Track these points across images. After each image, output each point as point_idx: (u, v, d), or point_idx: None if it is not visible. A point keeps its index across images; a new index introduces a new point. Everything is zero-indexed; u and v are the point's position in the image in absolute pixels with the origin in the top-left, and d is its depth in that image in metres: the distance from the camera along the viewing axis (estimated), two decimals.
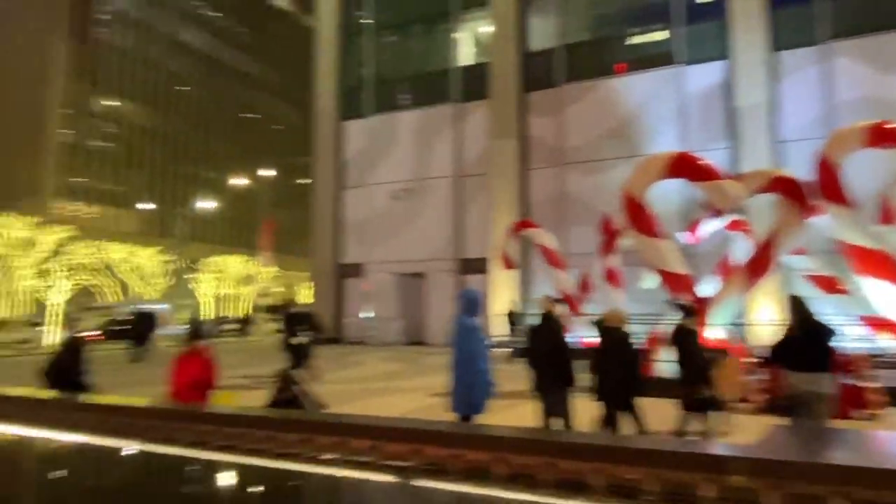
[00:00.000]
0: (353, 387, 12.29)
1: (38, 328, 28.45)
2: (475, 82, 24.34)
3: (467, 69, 25.14)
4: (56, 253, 37.97)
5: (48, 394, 4.83)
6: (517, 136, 23.08)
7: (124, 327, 28.64)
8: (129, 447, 3.82)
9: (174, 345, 24.53)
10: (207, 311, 50.60)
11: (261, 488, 3.36)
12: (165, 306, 39.33)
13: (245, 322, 42.22)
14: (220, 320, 42.80)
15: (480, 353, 6.12)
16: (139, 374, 15.11)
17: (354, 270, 26.11)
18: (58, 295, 33.16)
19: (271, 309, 45.42)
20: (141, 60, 61.88)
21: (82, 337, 6.77)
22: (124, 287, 47.68)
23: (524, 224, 19.80)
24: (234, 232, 68.31)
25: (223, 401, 5.66)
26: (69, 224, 43.33)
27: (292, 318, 10.84)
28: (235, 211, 68.44)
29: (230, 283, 55.11)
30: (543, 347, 6.51)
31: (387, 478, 2.99)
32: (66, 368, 6.13)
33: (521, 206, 22.73)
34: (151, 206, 59.87)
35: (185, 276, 51.87)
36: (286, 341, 10.32)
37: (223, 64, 71.82)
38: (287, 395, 5.64)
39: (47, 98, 53.14)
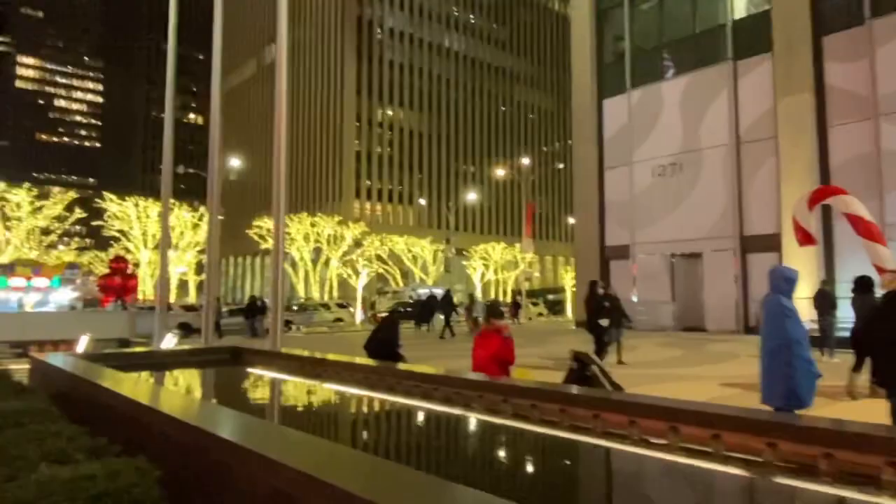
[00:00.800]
0: (631, 372, 11.86)
1: (346, 309, 33.58)
2: (753, 35, 21.51)
3: (741, 22, 22.36)
4: (356, 245, 44.45)
5: (384, 363, 5.56)
6: (811, 90, 19.77)
7: (408, 309, 32.28)
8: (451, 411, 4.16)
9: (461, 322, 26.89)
10: (482, 295, 54.34)
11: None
12: (442, 290, 43.27)
13: (516, 306, 44.16)
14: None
15: (799, 338, 5.29)
16: (439, 349, 16.59)
17: (620, 252, 25.29)
18: (361, 281, 38.76)
19: (534, 293, 46.76)
20: (410, 70, 68.77)
21: (400, 313, 7.65)
22: (406, 274, 53.75)
23: (826, 191, 16.87)
24: (497, 220, 72.05)
25: (521, 376, 5.87)
26: (363, 221, 50.40)
27: (600, 301, 10.90)
28: (498, 200, 72.15)
29: (495, 268, 58.22)
30: (889, 334, 5.35)
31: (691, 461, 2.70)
32: (384, 340, 7.01)
33: (819, 170, 19.46)
34: (424, 201, 66.39)
35: (456, 263, 56.28)
36: (592, 323, 10.38)
37: (480, 62, 75.92)
38: (583, 374, 5.59)
39: (344, 113, 62.39)
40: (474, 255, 56.77)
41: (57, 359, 4.95)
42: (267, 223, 44.20)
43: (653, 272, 23.55)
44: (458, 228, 64.29)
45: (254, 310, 23.15)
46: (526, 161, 60.91)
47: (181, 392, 4.72)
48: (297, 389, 5.26)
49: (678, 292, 22.89)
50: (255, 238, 46.13)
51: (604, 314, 11.21)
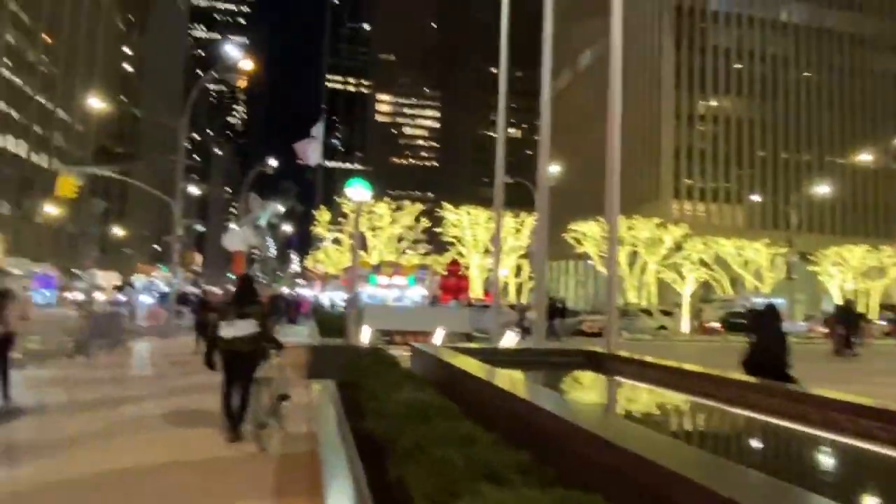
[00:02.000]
0: None
1: (670, 316, 31.48)
2: None
3: None
4: (678, 249, 41.56)
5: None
6: None
7: (741, 321, 28.62)
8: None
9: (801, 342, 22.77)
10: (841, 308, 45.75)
11: None
12: (780, 300, 37.50)
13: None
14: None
15: None
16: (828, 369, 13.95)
17: None
18: (686, 287, 36.05)
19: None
20: (739, 53, 61.82)
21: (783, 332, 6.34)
22: (736, 281, 48.16)
23: None
24: (854, 217, 59.74)
25: None
26: (684, 222, 46.91)
27: None
28: (855, 194, 59.86)
29: (853, 276, 48.28)
30: None
31: None
32: (769, 357, 5.80)
33: None
34: (758, 198, 58.76)
35: (800, 269, 48.34)
36: None
37: (827, 31, 64.18)
38: None
39: (662, 108, 59.32)
40: (823, 260, 48.00)
41: (435, 349, 5.23)
42: (583, 227, 44.41)
43: None
44: (802, 228, 55.21)
45: (553, 312, 23.18)
46: None
47: (588, 403, 4.40)
48: (684, 405, 4.57)
49: None
50: (571, 242, 46.75)
51: None
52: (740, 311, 31.42)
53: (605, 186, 8.41)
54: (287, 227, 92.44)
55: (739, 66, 61.70)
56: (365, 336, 10.88)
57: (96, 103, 62.35)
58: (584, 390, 5.24)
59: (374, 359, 4.82)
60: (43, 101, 62.28)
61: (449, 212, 43.58)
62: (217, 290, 21.97)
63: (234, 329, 6.07)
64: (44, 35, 61.58)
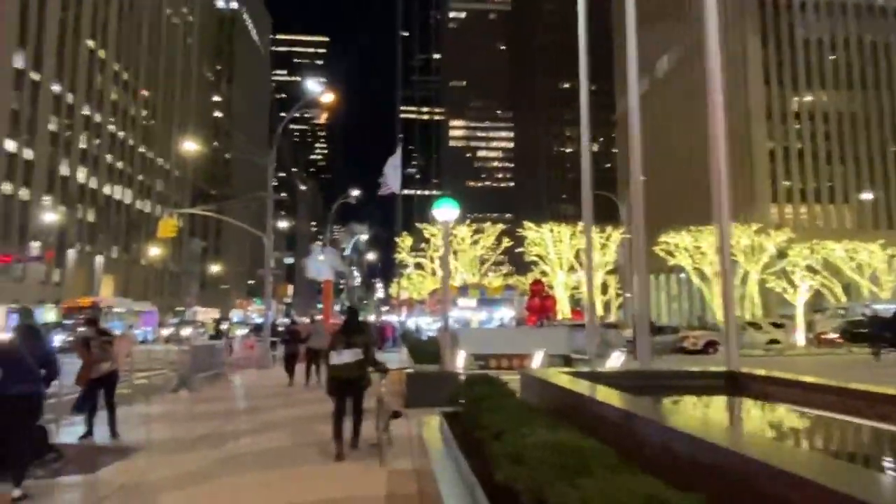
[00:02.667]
0: None
1: (782, 329, 29.04)
2: None
3: None
4: (781, 256, 38.63)
5: None
6: None
7: (863, 330, 25.97)
8: None
9: None
10: None
11: None
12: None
13: None
14: None
15: None
16: None
17: None
18: (799, 297, 33.32)
19: None
20: (832, 43, 57.73)
21: None
22: (849, 287, 44.16)
23: None
24: None
25: None
26: (785, 227, 43.67)
27: None
28: None
29: None
30: None
31: None
32: None
33: None
34: (868, 196, 54.02)
35: None
36: None
37: None
38: None
39: (751, 108, 56.06)
40: None
41: (553, 376, 4.63)
42: (675, 238, 42.24)
43: None
44: None
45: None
46: None
47: (775, 439, 3.57)
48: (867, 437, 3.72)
49: None
50: (661, 254, 44.57)
51: None
52: (861, 320, 28.50)
53: (712, 191, 7.59)
54: (371, 256, 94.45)
55: (833, 57, 57.54)
56: (460, 361, 10.38)
57: (191, 149, 66.52)
58: (754, 421, 4.42)
59: (487, 388, 4.25)
60: (144, 150, 67.15)
61: (530, 230, 42.72)
62: (306, 321, 22.34)
63: (341, 357, 6.55)
64: (143, 91, 66.67)
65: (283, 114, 20.94)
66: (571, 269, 42.23)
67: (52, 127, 49.42)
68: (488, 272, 46.20)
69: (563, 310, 41.85)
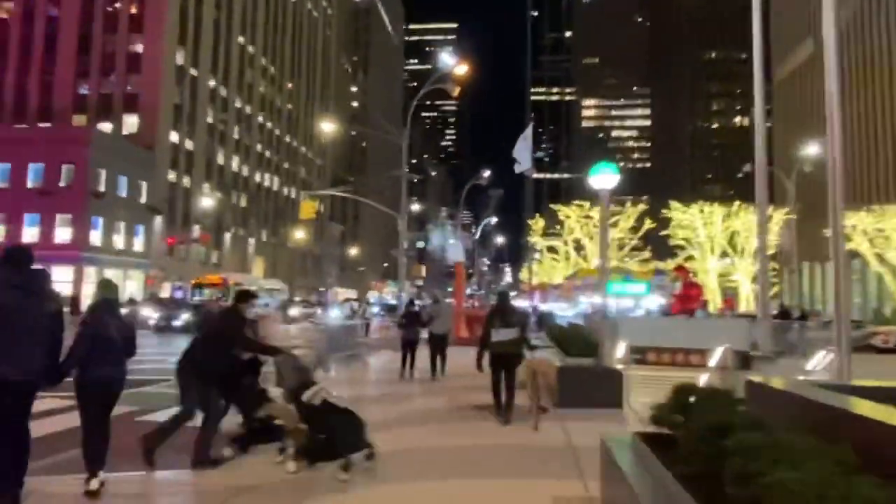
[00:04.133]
0: None
1: None
2: None
3: None
4: None
5: None
6: None
7: None
8: None
9: None
10: None
11: None
12: None
13: None
14: None
15: None
16: None
17: None
18: None
19: None
20: None
21: None
22: None
23: None
24: None
25: None
26: None
27: None
28: None
29: None
30: None
31: None
32: None
33: None
34: None
35: None
36: None
37: None
38: None
39: None
40: None
41: (814, 391, 3.17)
42: (853, 219, 36.73)
43: None
44: None
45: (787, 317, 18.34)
46: None
47: None
48: None
49: None
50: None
51: None
52: None
53: None
54: (499, 240, 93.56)
55: None
56: (620, 354, 8.92)
57: (330, 138, 69.31)
58: None
59: (720, 407, 2.86)
60: (289, 140, 71.18)
61: (677, 211, 39.24)
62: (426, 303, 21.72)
63: (500, 335, 7.41)
64: (288, 83, 70.53)
65: (414, 106, 20.64)
66: (724, 254, 38.27)
67: (209, 119, 53.59)
68: (626, 257, 43.30)
69: (714, 299, 38.10)
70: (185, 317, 24.27)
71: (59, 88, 46.66)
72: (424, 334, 12.54)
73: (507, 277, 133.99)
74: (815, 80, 65.27)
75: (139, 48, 47.05)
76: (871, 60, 53.68)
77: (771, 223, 38.37)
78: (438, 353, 12.09)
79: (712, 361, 8.68)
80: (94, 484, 4.47)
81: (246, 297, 6.30)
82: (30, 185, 39.57)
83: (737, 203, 38.03)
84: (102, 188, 40.45)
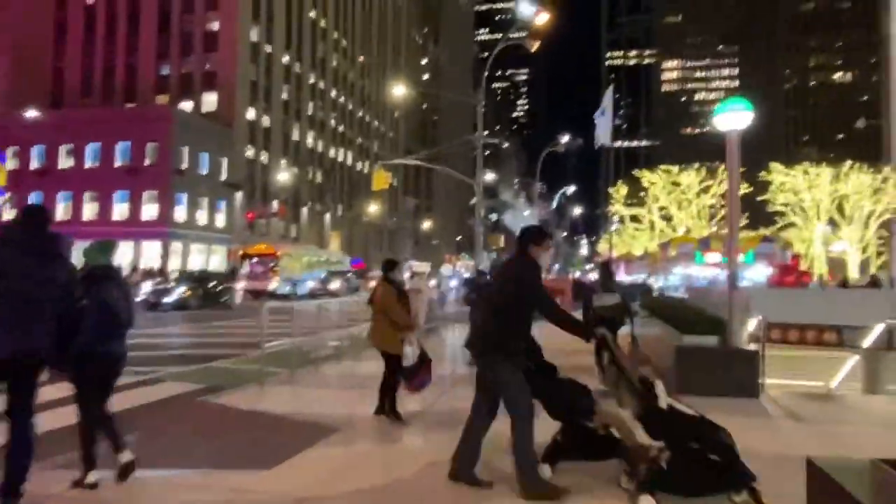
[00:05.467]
0: None
1: None
2: None
3: None
4: None
5: None
6: None
7: None
8: None
9: None
10: None
11: None
12: None
13: None
14: None
15: None
16: None
17: None
18: None
19: None
20: None
21: None
22: None
23: None
24: None
25: None
26: None
27: None
28: None
29: None
30: None
31: None
32: None
33: None
34: None
35: None
36: None
37: None
38: None
39: None
40: None
41: None
42: None
43: None
44: None
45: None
46: None
47: None
48: None
49: None
50: None
51: None
52: None
53: None
54: (576, 211, 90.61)
55: None
56: (751, 331, 7.43)
57: (403, 110, 68.54)
58: None
59: None
60: (361, 114, 71.09)
61: (779, 173, 35.87)
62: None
63: (603, 300, 6.49)
64: (360, 57, 70.17)
65: (486, 74, 19.12)
66: (831, 220, 34.73)
67: (284, 95, 53.99)
68: (716, 225, 40.30)
69: (821, 269, 34.78)
70: (180, 291, 22.39)
71: (142, 69, 48.17)
72: None
73: (583, 250, 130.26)
74: None
75: (215, 26, 47.68)
76: None
77: (888, 184, 34.48)
78: None
79: (867, 341, 7.05)
80: (92, 477, 3.88)
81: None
82: (118, 163, 41.19)
83: (848, 163, 34.28)
84: (185, 165, 41.54)
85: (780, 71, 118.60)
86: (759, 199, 37.11)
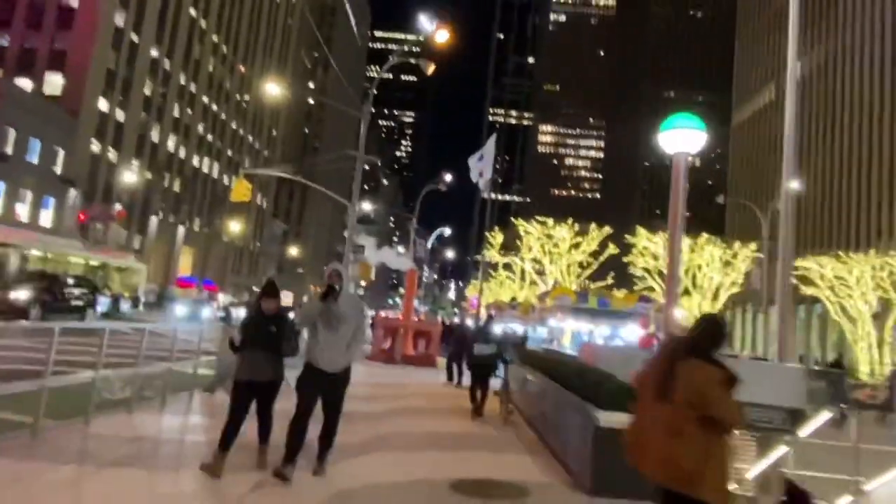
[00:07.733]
0: None
1: None
2: None
3: None
4: None
5: None
6: None
7: None
8: None
9: None
10: None
11: None
12: None
13: None
14: None
15: None
16: None
17: None
18: None
19: None
20: None
21: None
22: None
23: None
24: None
25: None
26: None
27: None
28: None
29: None
30: None
31: None
32: None
33: None
34: None
35: None
36: None
37: None
38: None
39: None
40: None
41: None
42: (813, 263, 35.73)
43: None
44: None
45: None
46: None
47: None
48: None
49: None
50: (795, 282, 38.01)
51: None
52: None
53: None
54: (447, 255, 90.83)
55: None
56: None
57: (281, 131, 64.95)
58: None
59: None
60: (235, 127, 66.37)
61: (641, 238, 37.36)
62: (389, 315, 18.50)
63: (482, 349, 9.44)
64: (240, 66, 65.91)
65: (372, 109, 17.83)
66: (686, 292, 36.47)
67: (146, 91, 48.63)
68: (586, 280, 41.13)
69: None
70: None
71: None
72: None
73: (451, 294, 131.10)
74: (768, 126, 65.87)
75: (74, 2, 42.02)
76: (834, 100, 54.34)
77: (737, 259, 37.12)
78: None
79: (807, 430, 5.82)
80: None
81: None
82: None
83: (704, 235, 36.52)
84: (9, 150, 35.25)
85: (640, 148, 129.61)
86: (624, 259, 38.45)
